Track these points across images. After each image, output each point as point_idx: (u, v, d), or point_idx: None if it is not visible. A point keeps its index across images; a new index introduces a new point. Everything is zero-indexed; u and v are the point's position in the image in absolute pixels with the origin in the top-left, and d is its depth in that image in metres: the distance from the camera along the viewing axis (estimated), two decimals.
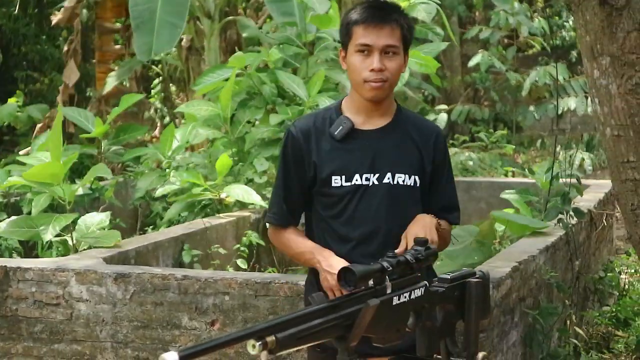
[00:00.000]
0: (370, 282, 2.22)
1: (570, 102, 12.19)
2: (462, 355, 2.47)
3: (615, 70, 3.80)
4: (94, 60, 12.76)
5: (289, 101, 6.88)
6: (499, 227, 5.75)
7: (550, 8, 16.00)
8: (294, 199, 3.02)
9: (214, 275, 4.38)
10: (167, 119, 13.39)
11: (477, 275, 2.53)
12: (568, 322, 5.27)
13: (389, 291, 2.25)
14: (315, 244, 2.96)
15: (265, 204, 6.22)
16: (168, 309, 4.35)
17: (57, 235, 5.40)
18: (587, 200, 6.34)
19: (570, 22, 16.06)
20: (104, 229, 5.28)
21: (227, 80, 6.73)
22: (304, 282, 4.04)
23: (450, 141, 13.01)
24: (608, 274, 6.41)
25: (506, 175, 10.35)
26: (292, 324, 2.02)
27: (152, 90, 14.09)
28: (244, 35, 9.61)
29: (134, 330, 4.42)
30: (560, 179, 5.64)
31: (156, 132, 12.54)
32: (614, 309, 6.06)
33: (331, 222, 2.97)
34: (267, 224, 3.17)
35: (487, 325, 3.80)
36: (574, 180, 5.56)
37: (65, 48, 10.84)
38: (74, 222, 5.45)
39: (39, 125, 10.27)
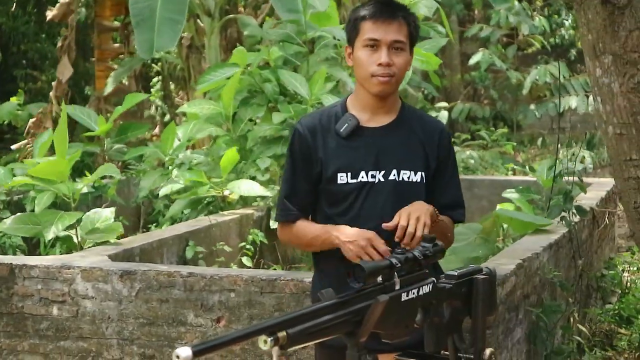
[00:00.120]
0: (379, 279, 2.24)
1: (571, 101, 12.22)
2: (469, 351, 2.48)
3: (618, 69, 3.83)
4: (93, 59, 12.77)
5: (290, 99, 6.89)
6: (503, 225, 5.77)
7: (550, 7, 16.01)
8: (302, 196, 3.04)
9: (220, 272, 4.40)
10: (167, 117, 13.40)
11: (483, 272, 2.54)
12: (571, 319, 5.30)
13: (397, 287, 2.26)
14: (326, 224, 2.97)
15: (270, 194, 6.24)
16: (174, 306, 4.37)
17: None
18: (589, 199, 6.37)
19: (570, 21, 16.06)
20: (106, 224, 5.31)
21: (229, 78, 6.74)
22: (309, 279, 4.07)
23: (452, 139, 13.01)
24: (610, 272, 6.44)
25: (507, 174, 10.37)
26: (303, 319, 2.04)
27: (152, 89, 14.10)
28: (245, 33, 9.62)
29: (139, 327, 4.45)
30: (563, 177, 5.66)
31: (156, 130, 12.55)
32: (616, 307, 6.09)
33: (337, 219, 2.99)
34: (276, 222, 3.17)
35: (492, 322, 3.82)
36: (576, 178, 5.58)
37: (60, 44, 10.83)
38: (78, 220, 5.47)
39: (31, 121, 10.25)
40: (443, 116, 13.20)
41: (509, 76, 13.54)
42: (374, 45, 2.91)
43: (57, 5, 11.08)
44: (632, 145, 3.87)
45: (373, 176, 2.96)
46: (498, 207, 6.15)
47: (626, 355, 5.58)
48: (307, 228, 3.02)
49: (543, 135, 14.97)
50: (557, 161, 5.86)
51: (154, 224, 7.05)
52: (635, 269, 7.11)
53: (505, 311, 4.14)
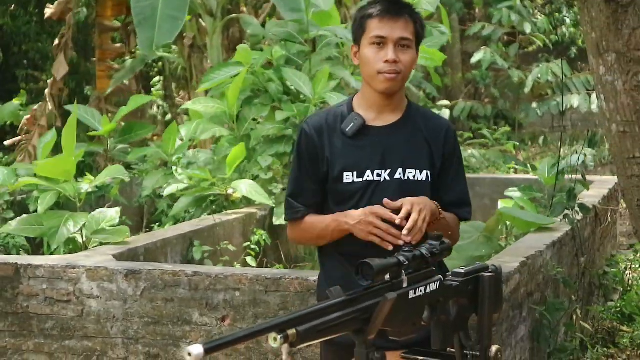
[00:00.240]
0: (387, 276, 2.25)
1: (573, 100, 12.23)
2: (475, 348, 2.49)
3: (621, 67, 3.83)
4: (94, 59, 12.78)
5: (293, 98, 6.90)
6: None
7: (551, 4, 16.02)
8: (308, 196, 3.04)
9: (225, 271, 4.41)
10: (169, 116, 13.41)
11: (490, 270, 2.55)
12: (574, 317, 5.31)
13: (405, 285, 2.27)
14: (333, 214, 2.97)
15: (270, 203, 6.26)
16: (179, 305, 4.39)
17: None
18: (591, 196, 6.38)
19: (570, 18, 16.07)
20: (114, 226, 5.32)
21: (233, 77, 6.76)
22: (314, 278, 4.09)
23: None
24: (612, 270, 6.46)
25: (508, 172, 10.38)
26: (312, 317, 2.05)
27: (152, 89, 14.11)
28: (248, 32, 9.64)
29: (144, 326, 4.46)
30: (566, 175, 5.68)
31: (157, 130, 12.56)
32: (618, 304, 6.10)
33: None
34: (285, 222, 3.18)
35: (497, 319, 3.84)
36: (579, 176, 5.59)
37: (57, 42, 10.83)
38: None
39: (26, 118, 10.25)
40: (445, 114, 13.22)
41: (510, 75, 13.54)
42: (381, 42, 2.92)
43: (56, 3, 11.08)
44: (636, 143, 3.88)
45: (379, 175, 2.97)
46: (500, 204, 6.16)
47: (628, 353, 5.60)
48: (315, 222, 3.02)
49: (544, 133, 14.99)
50: (560, 159, 5.88)
51: (157, 224, 7.06)
52: (637, 266, 7.13)
53: (509, 309, 4.15)
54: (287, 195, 3.10)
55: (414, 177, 2.99)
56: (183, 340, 4.41)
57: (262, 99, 6.91)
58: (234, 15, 10.34)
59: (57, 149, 6.77)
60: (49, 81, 10.69)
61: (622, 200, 7.96)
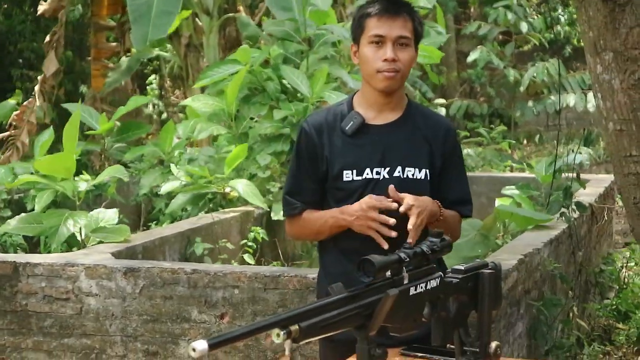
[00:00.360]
0: (388, 273, 2.27)
1: (569, 99, 12.28)
2: (475, 344, 2.51)
3: (618, 66, 3.85)
4: (88, 58, 12.77)
5: (291, 97, 6.91)
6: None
7: (546, 3, 16.04)
8: (306, 194, 3.05)
9: (223, 269, 4.43)
10: (165, 115, 13.41)
11: (489, 267, 2.58)
12: (571, 314, 5.34)
13: (406, 282, 2.29)
14: (331, 209, 2.99)
15: (264, 206, 6.28)
16: (177, 303, 4.40)
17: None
18: (587, 195, 6.41)
19: (565, 17, 16.10)
20: (113, 225, 5.34)
21: (232, 75, 6.77)
22: (312, 276, 4.10)
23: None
24: (608, 268, 6.49)
25: (504, 171, 10.41)
26: (314, 313, 2.07)
27: (147, 87, 14.11)
28: (245, 33, 9.66)
29: (143, 324, 4.47)
30: (563, 174, 5.71)
31: (152, 129, 12.56)
32: (614, 302, 6.13)
33: None
34: (284, 219, 3.20)
35: (495, 316, 3.86)
36: (575, 175, 5.62)
37: (48, 39, 10.82)
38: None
39: (15, 113, 10.23)
40: (440, 113, 13.22)
41: (506, 74, 13.57)
42: (379, 41, 2.93)
43: (49, 0, 11.06)
44: (632, 142, 3.90)
45: (378, 173, 2.99)
46: (497, 202, 6.19)
47: (624, 350, 5.63)
48: (313, 218, 3.04)
49: (540, 132, 15.03)
50: (557, 157, 5.90)
51: (154, 222, 7.07)
52: (633, 264, 7.16)
53: (506, 306, 4.18)
54: (284, 192, 3.11)
55: (413, 175, 3.00)
56: (182, 338, 4.42)
57: (260, 98, 6.92)
58: (230, 14, 10.35)
59: (50, 148, 6.79)
60: (39, 77, 10.66)
61: (618, 199, 8.00)
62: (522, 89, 13.43)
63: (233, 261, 5.87)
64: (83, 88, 13.24)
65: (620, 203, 7.84)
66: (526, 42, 15.48)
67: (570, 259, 5.58)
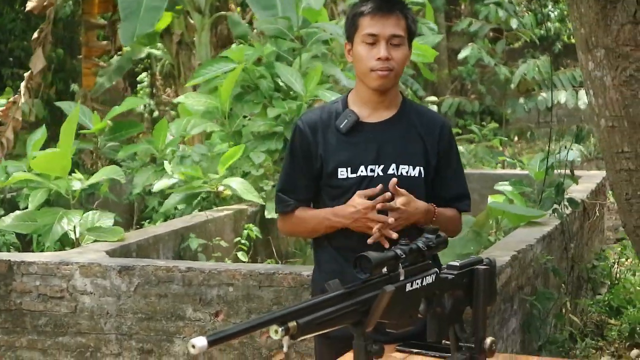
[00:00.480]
0: (384, 269, 2.29)
1: (560, 96, 12.32)
2: (470, 340, 2.53)
3: (610, 62, 3.88)
4: (79, 56, 12.75)
5: (284, 96, 6.92)
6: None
7: (537, 0, 16.07)
8: (299, 191, 3.06)
9: (218, 266, 4.44)
10: (156, 113, 13.40)
11: (484, 263, 2.59)
12: (563, 309, 5.37)
13: (402, 278, 2.31)
14: (327, 209, 3.00)
15: (260, 201, 6.28)
16: (172, 301, 4.41)
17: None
18: (579, 191, 6.44)
19: (556, 14, 16.13)
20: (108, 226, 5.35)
21: (225, 73, 6.78)
22: (307, 273, 4.12)
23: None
24: (601, 263, 6.52)
25: (495, 167, 10.44)
26: (312, 310, 2.08)
27: (139, 85, 14.09)
28: (235, 32, 9.66)
29: (138, 322, 4.48)
30: (555, 170, 5.74)
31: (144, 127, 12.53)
32: (606, 298, 6.17)
33: None
34: (277, 215, 3.21)
35: (489, 312, 3.87)
36: (568, 171, 5.65)
37: (36, 35, 10.79)
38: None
39: (0, 109, 10.21)
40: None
41: (497, 71, 13.59)
42: (373, 40, 2.95)
43: None
44: (624, 138, 3.93)
45: (372, 170, 3.00)
46: (490, 199, 6.21)
47: (617, 345, 5.66)
48: (307, 216, 3.05)
49: (531, 129, 15.07)
50: (549, 154, 5.93)
51: (147, 221, 7.07)
52: (625, 260, 7.19)
53: (500, 302, 4.20)
54: (277, 189, 3.12)
55: (407, 172, 3.01)
56: (177, 336, 4.43)
57: (254, 96, 6.92)
58: (222, 12, 10.35)
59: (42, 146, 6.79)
60: (25, 74, 10.63)
61: (610, 195, 8.03)
62: (513, 86, 13.46)
63: (227, 259, 5.87)
64: (74, 86, 13.20)
65: (612, 199, 7.89)
66: (517, 39, 15.50)
67: (563, 255, 5.61)
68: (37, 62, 10.46)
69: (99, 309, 4.54)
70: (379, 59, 2.93)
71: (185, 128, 6.93)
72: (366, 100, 3.03)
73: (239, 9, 12.08)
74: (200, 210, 6.33)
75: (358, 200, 2.91)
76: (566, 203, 5.47)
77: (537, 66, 12.65)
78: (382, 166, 3.00)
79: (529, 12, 13.80)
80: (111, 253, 4.90)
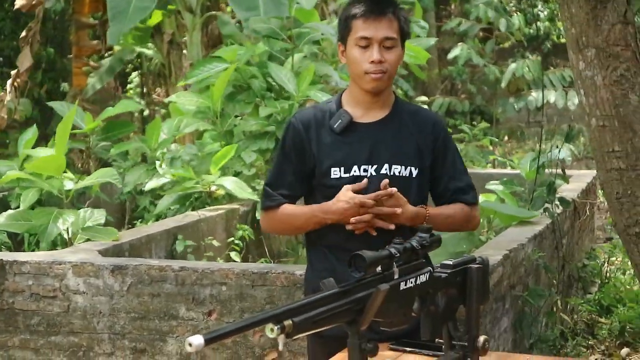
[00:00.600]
0: (379, 268, 2.30)
1: (550, 95, 12.36)
2: (463, 339, 2.55)
3: (601, 62, 3.91)
4: (70, 56, 12.72)
5: (276, 95, 6.92)
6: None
7: (527, 0, 16.12)
8: (289, 188, 3.06)
9: (211, 266, 4.45)
10: (147, 113, 13.38)
11: (477, 262, 2.61)
12: (554, 308, 5.40)
13: (396, 277, 2.32)
14: (314, 205, 3.02)
15: (256, 198, 6.29)
16: (165, 300, 4.42)
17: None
18: (570, 190, 6.47)
19: (545, 13, 16.18)
20: (100, 225, 5.35)
21: (218, 73, 6.78)
22: (300, 272, 4.13)
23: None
24: (591, 262, 6.55)
25: (485, 167, 10.47)
26: (307, 308, 2.10)
27: (129, 85, 14.08)
28: (224, 32, 9.66)
29: (131, 321, 4.49)
30: (546, 170, 5.76)
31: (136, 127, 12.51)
32: (597, 297, 6.20)
33: None
34: (262, 211, 3.19)
35: (482, 310, 3.89)
36: (559, 170, 5.68)
37: (24, 34, 10.76)
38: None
39: None
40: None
41: (487, 72, 13.63)
42: (366, 43, 2.96)
43: None
44: (615, 137, 3.96)
45: (365, 170, 3.01)
46: (481, 198, 6.23)
47: (607, 344, 5.69)
48: (293, 213, 3.05)
49: (521, 128, 15.11)
50: (540, 153, 5.96)
51: (139, 220, 7.07)
52: (615, 259, 7.23)
53: (492, 301, 4.22)
54: (265, 183, 3.12)
55: (399, 172, 3.03)
56: (170, 335, 4.44)
57: (245, 96, 6.93)
58: (213, 12, 10.34)
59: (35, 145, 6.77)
60: (12, 72, 10.60)
61: (600, 194, 8.07)
62: (503, 85, 13.50)
63: (219, 258, 5.88)
64: (64, 86, 13.18)
65: (602, 198, 7.92)
66: (506, 38, 15.54)
67: (554, 254, 5.63)
68: (24, 60, 10.42)
69: (91, 308, 4.54)
70: (372, 62, 2.95)
71: (178, 127, 6.94)
72: (360, 100, 3.05)
73: (229, 8, 12.07)
74: (192, 210, 6.33)
75: (348, 194, 2.93)
76: (557, 202, 5.50)
77: (527, 66, 12.69)
78: (375, 166, 3.02)
79: (518, 12, 13.82)
80: (104, 252, 4.90)
